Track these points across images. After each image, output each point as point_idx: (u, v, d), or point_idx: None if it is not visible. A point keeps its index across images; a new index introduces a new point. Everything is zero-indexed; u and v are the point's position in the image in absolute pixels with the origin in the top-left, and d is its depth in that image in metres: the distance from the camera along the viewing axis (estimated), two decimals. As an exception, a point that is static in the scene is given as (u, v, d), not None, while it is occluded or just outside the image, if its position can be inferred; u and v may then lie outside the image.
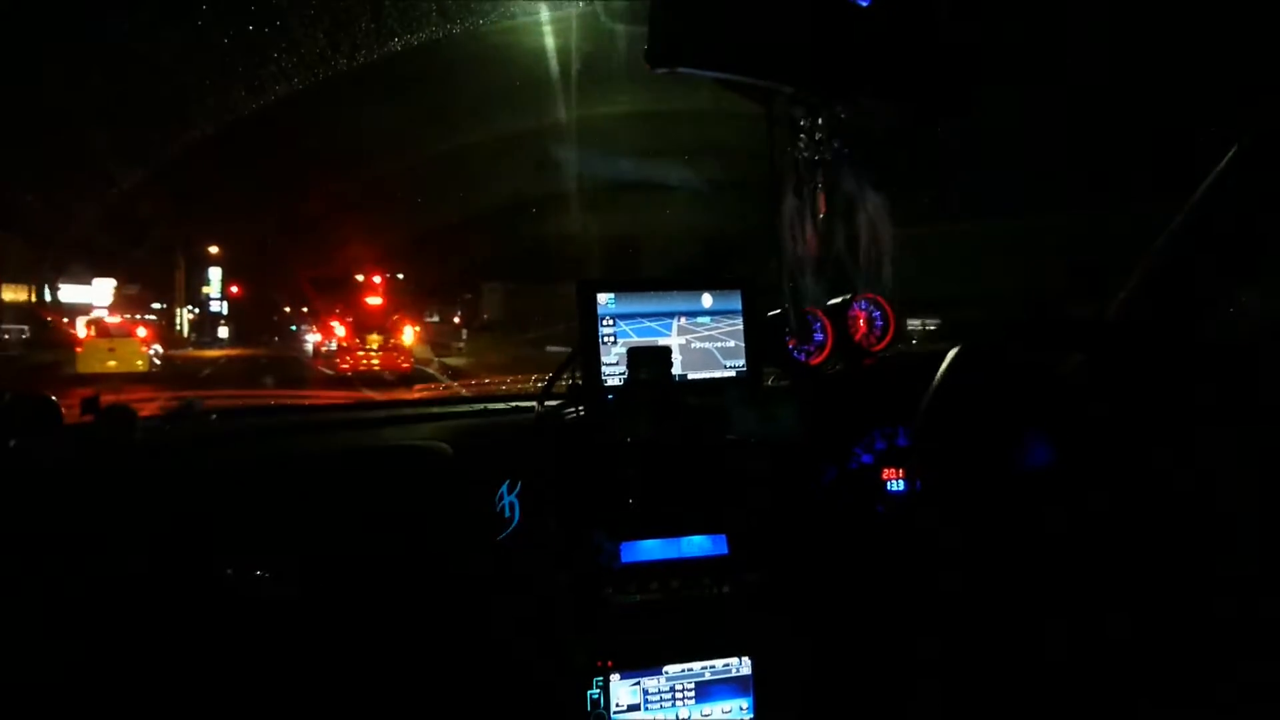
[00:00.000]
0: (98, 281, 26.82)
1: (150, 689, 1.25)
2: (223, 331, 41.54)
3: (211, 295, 42.91)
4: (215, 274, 42.29)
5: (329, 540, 1.36)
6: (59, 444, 1.37)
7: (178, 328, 35.84)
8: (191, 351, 22.43)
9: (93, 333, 16.29)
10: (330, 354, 29.63)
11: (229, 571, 1.32)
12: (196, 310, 41.29)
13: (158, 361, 16.69)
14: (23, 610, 1.22)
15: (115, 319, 17.89)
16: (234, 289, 43.85)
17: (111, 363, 14.72)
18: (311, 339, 38.74)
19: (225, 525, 1.33)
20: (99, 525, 1.27)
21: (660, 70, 1.36)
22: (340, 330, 18.14)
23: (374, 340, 17.43)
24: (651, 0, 1.30)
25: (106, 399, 1.42)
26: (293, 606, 1.33)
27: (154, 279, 29.94)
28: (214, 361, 19.49)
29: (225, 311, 43.86)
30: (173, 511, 1.31)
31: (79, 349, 15.06)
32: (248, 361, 19.77)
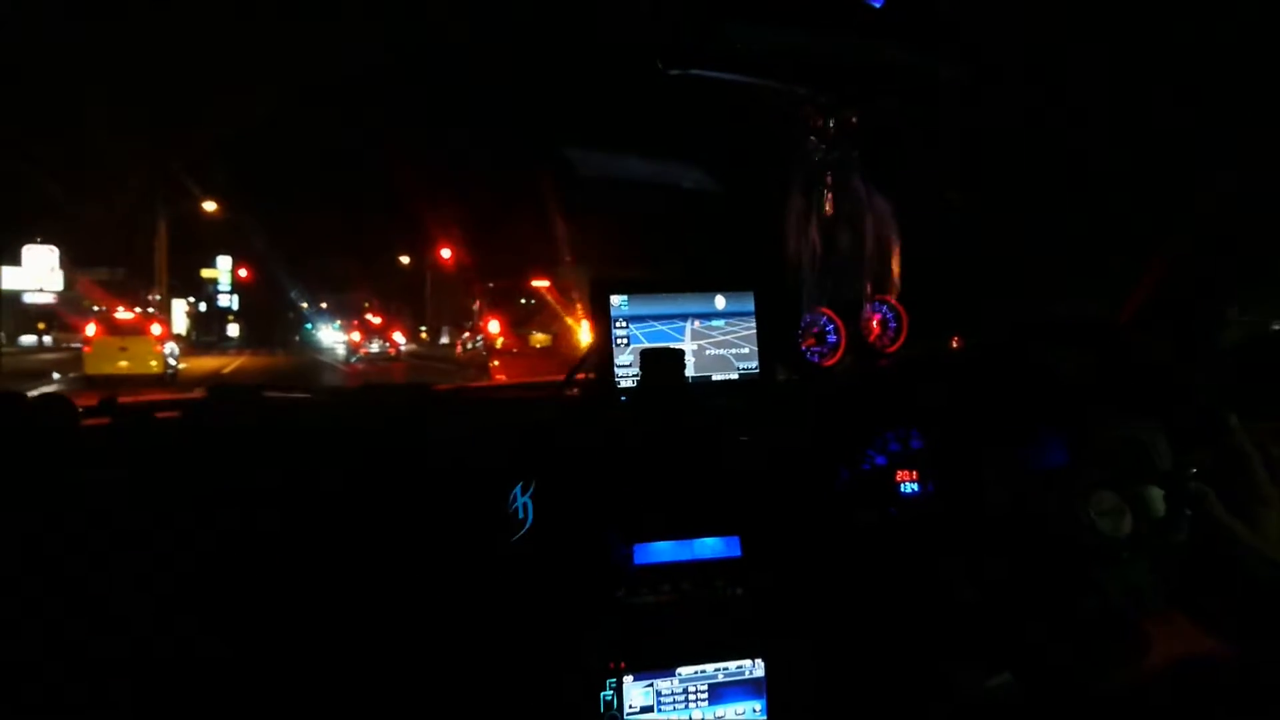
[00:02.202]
0: (32, 254, 18.85)
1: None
2: (232, 330, 36.72)
3: (219, 287, 37.31)
4: (224, 263, 36.86)
5: (338, 543, 1.39)
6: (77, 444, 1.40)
7: (185, 327, 31.43)
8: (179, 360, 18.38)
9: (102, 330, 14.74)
10: (378, 356, 26.31)
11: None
12: (196, 302, 35.46)
13: (173, 362, 15.21)
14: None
15: (128, 314, 15.95)
16: (243, 273, 38.03)
17: (123, 363, 13.70)
18: (338, 339, 33.71)
19: (226, 528, 1.35)
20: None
21: (673, 72, 1.38)
22: (494, 327, 13.36)
23: (539, 340, 12.87)
24: (664, 1, 1.32)
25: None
26: (300, 609, 1.35)
27: (142, 263, 24.78)
28: (219, 372, 17.48)
29: (235, 306, 38.70)
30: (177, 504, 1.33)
31: (87, 348, 13.97)
32: (268, 373, 17.63)
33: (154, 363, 14.15)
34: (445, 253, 27.57)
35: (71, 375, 13.86)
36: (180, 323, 31.48)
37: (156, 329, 15.13)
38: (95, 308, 17.50)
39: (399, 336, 30.39)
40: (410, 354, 28.04)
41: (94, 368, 13.43)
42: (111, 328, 14.58)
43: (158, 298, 24.84)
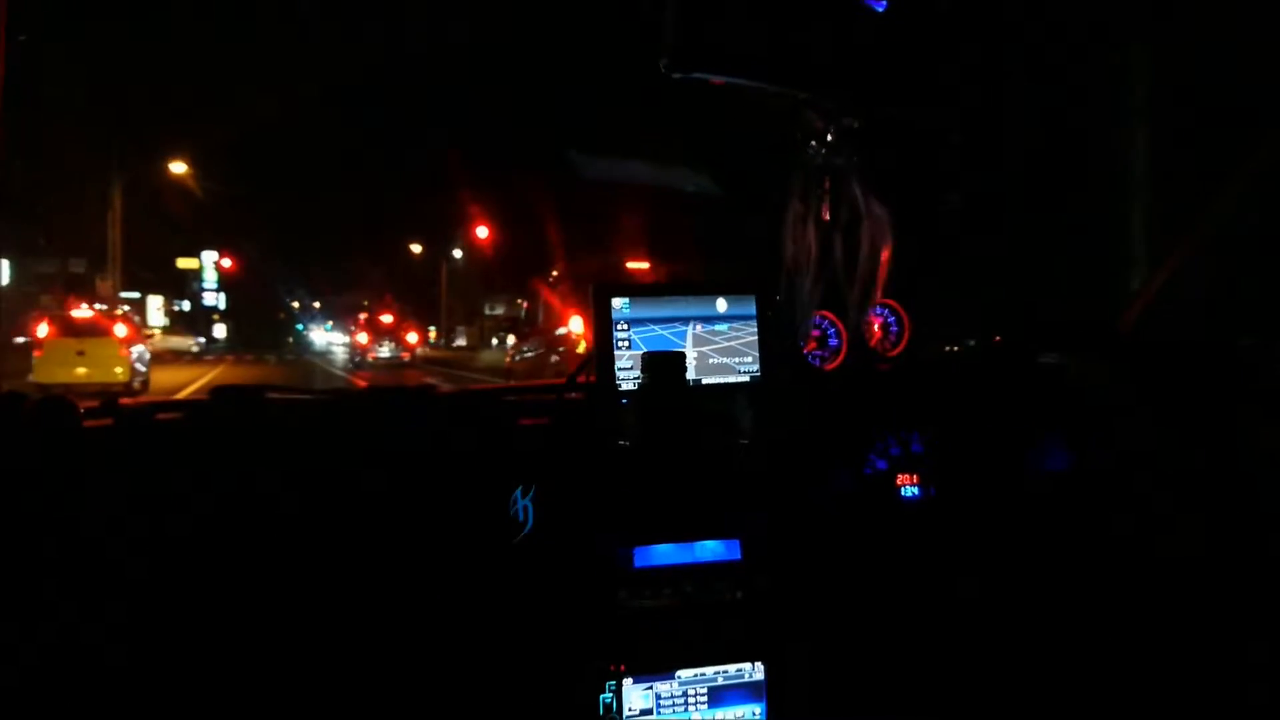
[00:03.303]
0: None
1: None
2: (219, 331, 34.13)
3: (204, 284, 34.42)
4: (209, 257, 34.07)
5: (339, 544, 1.40)
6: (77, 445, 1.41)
7: (156, 324, 27.32)
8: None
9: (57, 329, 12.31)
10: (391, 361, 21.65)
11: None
12: (172, 301, 31.98)
13: (141, 369, 12.90)
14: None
15: (86, 312, 13.47)
16: (226, 263, 34.38)
17: (81, 369, 11.70)
18: (332, 341, 30.51)
19: (230, 525, 1.36)
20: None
21: (677, 75, 1.39)
22: (577, 325, 9.94)
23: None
24: (669, 5, 1.33)
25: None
26: (301, 611, 1.36)
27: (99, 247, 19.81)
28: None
29: (221, 305, 35.80)
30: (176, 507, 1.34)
31: (38, 352, 11.85)
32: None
33: (119, 369, 12.03)
34: (482, 231, 23.10)
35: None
36: (156, 322, 28.32)
37: (121, 330, 12.78)
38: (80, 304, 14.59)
39: (414, 338, 26.35)
40: (429, 360, 24.04)
41: (45, 375, 11.37)
42: (67, 328, 12.37)
43: (136, 296, 21.71)
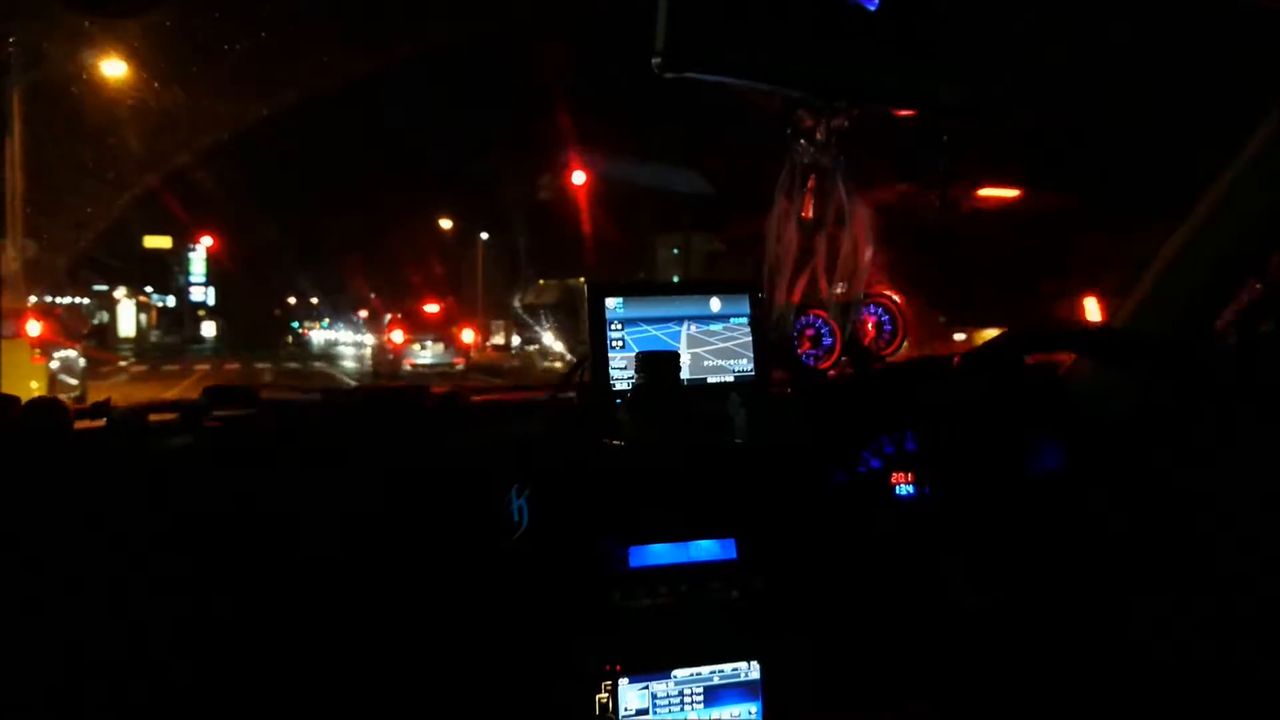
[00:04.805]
0: None
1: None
2: (207, 328, 31.32)
3: (191, 278, 32.00)
4: (198, 253, 31.61)
5: (333, 544, 1.40)
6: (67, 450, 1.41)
7: (132, 324, 25.23)
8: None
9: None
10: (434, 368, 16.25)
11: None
12: (149, 293, 29.56)
13: (71, 381, 9.78)
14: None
15: None
16: (208, 240, 30.94)
17: None
18: (343, 340, 27.56)
19: (225, 532, 1.36)
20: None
21: (669, 75, 1.40)
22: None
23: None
24: (661, 5, 1.33)
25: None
26: (295, 612, 1.36)
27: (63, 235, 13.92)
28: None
29: (209, 300, 32.94)
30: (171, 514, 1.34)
31: None
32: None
33: (34, 384, 8.65)
34: (578, 177, 17.30)
35: None
36: (128, 319, 25.87)
37: (34, 327, 9.32)
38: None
39: (470, 336, 19.92)
40: (484, 370, 17.76)
41: None
42: None
43: (104, 288, 18.36)
